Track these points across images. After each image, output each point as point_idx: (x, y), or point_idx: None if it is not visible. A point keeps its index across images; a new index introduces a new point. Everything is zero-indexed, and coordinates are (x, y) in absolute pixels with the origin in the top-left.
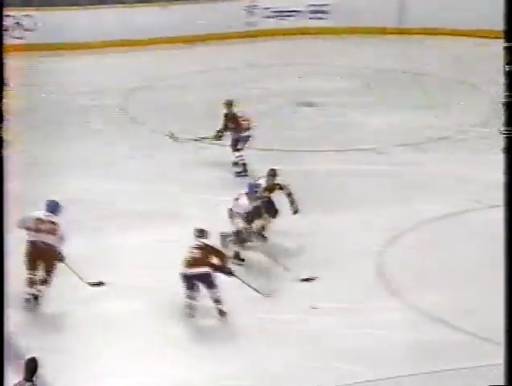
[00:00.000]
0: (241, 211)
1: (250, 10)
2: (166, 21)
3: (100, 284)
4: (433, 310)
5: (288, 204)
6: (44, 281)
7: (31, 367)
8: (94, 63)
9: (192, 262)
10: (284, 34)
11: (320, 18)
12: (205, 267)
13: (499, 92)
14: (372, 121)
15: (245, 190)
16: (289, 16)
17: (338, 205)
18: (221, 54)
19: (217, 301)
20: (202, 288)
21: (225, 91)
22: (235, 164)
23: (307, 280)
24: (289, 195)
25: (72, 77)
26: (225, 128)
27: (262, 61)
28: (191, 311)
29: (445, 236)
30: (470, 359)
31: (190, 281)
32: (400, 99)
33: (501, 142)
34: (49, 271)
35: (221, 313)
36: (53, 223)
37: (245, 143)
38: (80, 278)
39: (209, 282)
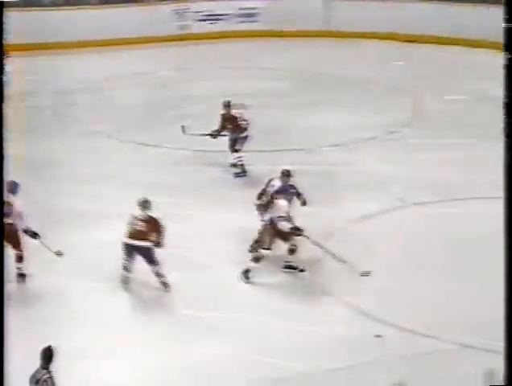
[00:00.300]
0: (283, 213)
1: (181, 13)
2: (98, 24)
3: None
4: (362, 306)
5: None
6: (20, 258)
7: (47, 355)
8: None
9: (135, 234)
10: (215, 38)
11: (250, 22)
12: (146, 241)
13: (422, 93)
14: (301, 121)
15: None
16: (220, 20)
17: None
18: (153, 57)
19: (158, 274)
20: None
21: (157, 93)
22: (233, 165)
23: (366, 274)
24: (299, 195)
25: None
26: (222, 128)
27: (192, 64)
28: (125, 283)
29: (374, 233)
30: (396, 350)
31: (130, 252)
32: (328, 100)
33: (425, 141)
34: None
35: (164, 285)
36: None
37: (243, 144)
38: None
39: (149, 257)
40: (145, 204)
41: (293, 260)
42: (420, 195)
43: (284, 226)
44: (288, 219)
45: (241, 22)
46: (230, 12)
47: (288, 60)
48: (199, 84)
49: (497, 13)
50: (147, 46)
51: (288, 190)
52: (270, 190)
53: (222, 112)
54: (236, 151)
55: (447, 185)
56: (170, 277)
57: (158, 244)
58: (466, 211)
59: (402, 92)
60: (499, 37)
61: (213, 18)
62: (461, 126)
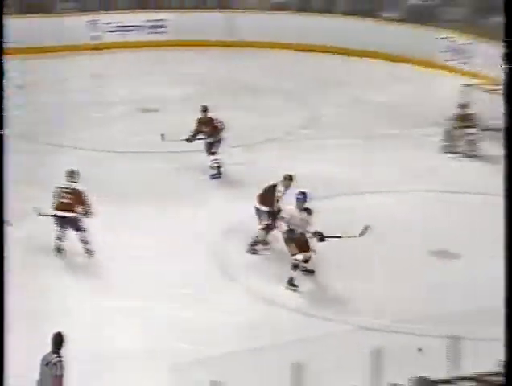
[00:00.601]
0: (286, 215)
1: (92, 24)
2: (13, 33)
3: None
4: (266, 293)
5: None
6: None
7: (58, 340)
8: None
9: (62, 206)
10: (126, 47)
11: (158, 33)
12: (73, 212)
13: (317, 98)
14: None
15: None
16: (130, 30)
17: (173, 201)
18: (68, 65)
19: (84, 241)
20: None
21: (72, 97)
22: (212, 167)
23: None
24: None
25: None
26: (198, 131)
27: (106, 71)
28: (58, 251)
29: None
30: (295, 332)
31: (60, 223)
32: (233, 104)
33: (320, 142)
34: None
35: (89, 252)
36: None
37: (219, 146)
38: None
39: (77, 226)
40: (72, 174)
41: (305, 265)
42: (317, 190)
43: (281, 226)
44: (287, 221)
45: (150, 33)
46: (139, 24)
47: (194, 68)
48: (112, 90)
49: (381, 26)
50: (63, 54)
51: (303, 199)
52: (279, 195)
53: (199, 116)
54: (213, 154)
55: (341, 181)
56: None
57: (85, 214)
58: (361, 204)
59: (298, 97)
60: (382, 48)
61: (123, 29)
62: (349, 128)
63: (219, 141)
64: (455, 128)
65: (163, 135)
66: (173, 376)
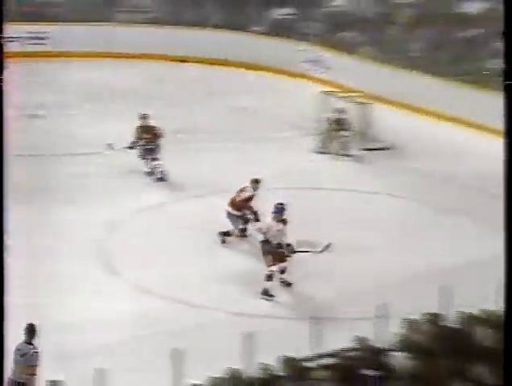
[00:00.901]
0: (264, 227)
1: None
2: None
3: None
4: (144, 284)
5: None
6: None
7: (30, 330)
8: None
9: None
10: (10, 57)
11: (38, 44)
12: None
13: (192, 106)
14: (91, 129)
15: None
16: (10, 41)
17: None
18: None
19: None
20: None
21: None
22: (150, 173)
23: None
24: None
25: None
26: (140, 138)
27: None
28: None
29: (153, 222)
30: (172, 322)
31: None
32: (107, 110)
33: (197, 146)
34: None
35: None
36: None
37: (159, 152)
38: None
39: None
40: None
41: (283, 276)
42: (191, 189)
43: (259, 237)
44: (263, 232)
45: (31, 43)
46: (20, 35)
47: (74, 77)
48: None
49: (250, 38)
50: None
51: (281, 211)
52: (243, 196)
53: (139, 124)
54: (155, 159)
55: (213, 181)
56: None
57: None
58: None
59: (179, 105)
60: (250, 59)
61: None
62: (222, 132)
63: (158, 147)
64: (330, 130)
65: (109, 144)
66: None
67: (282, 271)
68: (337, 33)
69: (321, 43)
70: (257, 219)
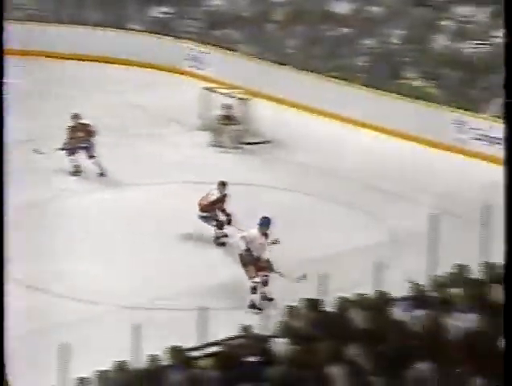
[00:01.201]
0: (249, 237)
1: None
2: None
3: None
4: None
5: None
6: None
7: None
8: None
9: None
10: None
11: None
12: None
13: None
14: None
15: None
16: None
17: None
18: None
19: None
20: None
21: None
22: (75, 173)
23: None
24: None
25: None
26: (72, 138)
27: None
28: None
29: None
30: (63, 315)
31: None
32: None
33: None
34: None
35: None
36: None
37: (94, 149)
38: None
39: None
40: None
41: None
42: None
43: (240, 246)
44: (246, 241)
45: None
46: None
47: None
48: None
49: (129, 35)
50: None
51: (267, 224)
52: (209, 199)
53: (71, 124)
54: (92, 157)
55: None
56: None
57: None
58: (123, 196)
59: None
60: (132, 56)
61: None
62: (109, 128)
63: (93, 145)
64: (220, 125)
65: (36, 150)
66: None
67: (265, 283)
68: (217, 31)
69: (202, 41)
70: (229, 221)
